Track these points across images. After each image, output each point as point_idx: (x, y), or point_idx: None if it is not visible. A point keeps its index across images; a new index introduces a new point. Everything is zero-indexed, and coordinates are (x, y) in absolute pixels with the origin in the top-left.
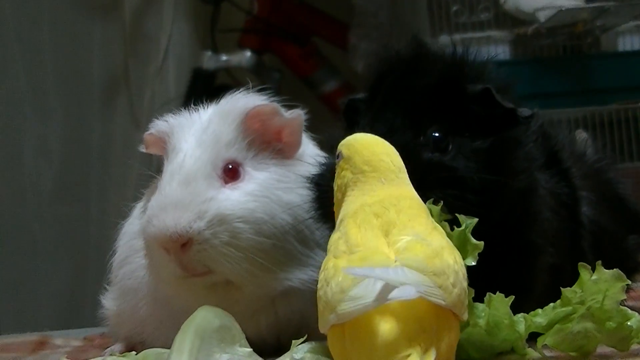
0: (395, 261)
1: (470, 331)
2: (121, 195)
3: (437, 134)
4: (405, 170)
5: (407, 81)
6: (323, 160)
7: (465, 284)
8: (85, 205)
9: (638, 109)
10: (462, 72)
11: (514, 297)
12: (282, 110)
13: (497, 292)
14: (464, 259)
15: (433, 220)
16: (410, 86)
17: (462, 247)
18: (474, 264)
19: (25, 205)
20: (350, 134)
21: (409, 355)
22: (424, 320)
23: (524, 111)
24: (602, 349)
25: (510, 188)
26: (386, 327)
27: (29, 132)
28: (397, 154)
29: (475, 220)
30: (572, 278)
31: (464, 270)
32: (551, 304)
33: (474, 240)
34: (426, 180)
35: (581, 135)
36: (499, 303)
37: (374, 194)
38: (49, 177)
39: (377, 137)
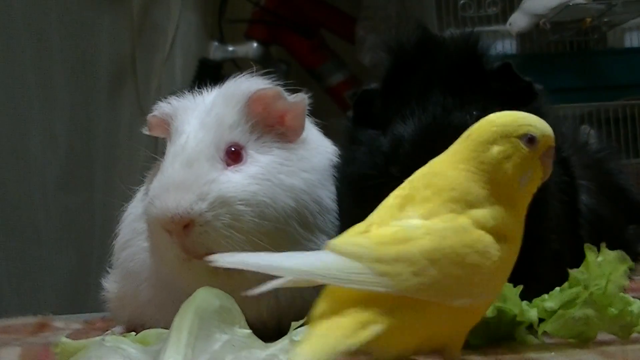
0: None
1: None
2: (127, 184)
3: (477, 112)
4: None
5: (427, 67)
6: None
7: (459, 271)
8: (91, 194)
9: None
10: (480, 52)
11: (522, 286)
12: (286, 94)
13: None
14: None
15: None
16: (437, 70)
17: None
18: None
19: (31, 193)
20: (363, 124)
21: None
22: (358, 301)
23: (537, 85)
24: (603, 336)
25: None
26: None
27: (36, 121)
28: None
29: None
30: (571, 265)
31: (469, 258)
32: (557, 288)
33: None
34: None
35: (587, 131)
36: (509, 293)
37: None
38: (55, 166)
39: None
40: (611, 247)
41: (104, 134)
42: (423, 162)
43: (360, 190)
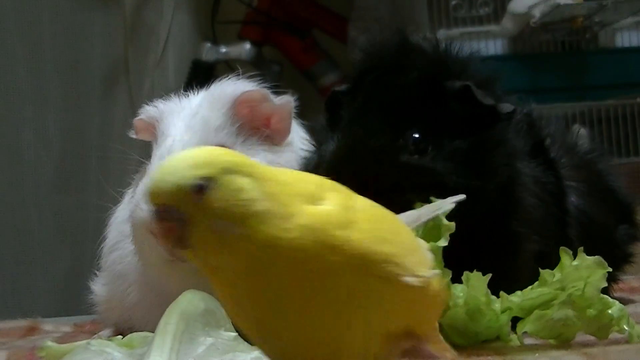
0: None
1: (451, 314)
2: (120, 185)
3: (416, 135)
4: None
5: (388, 79)
6: (306, 154)
7: None
8: (84, 195)
9: (636, 104)
10: (444, 69)
11: (494, 277)
12: (272, 97)
13: (475, 271)
14: (436, 240)
15: None
16: (391, 85)
17: (436, 229)
18: (445, 244)
19: (24, 194)
20: (332, 126)
21: None
22: None
23: (505, 107)
24: (582, 337)
25: (491, 186)
26: None
27: (28, 122)
28: None
29: (451, 206)
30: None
31: None
32: (529, 286)
33: (445, 222)
34: (404, 183)
35: (581, 131)
36: (477, 281)
37: None
38: (48, 167)
39: None
40: (601, 247)
41: (96, 135)
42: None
43: None
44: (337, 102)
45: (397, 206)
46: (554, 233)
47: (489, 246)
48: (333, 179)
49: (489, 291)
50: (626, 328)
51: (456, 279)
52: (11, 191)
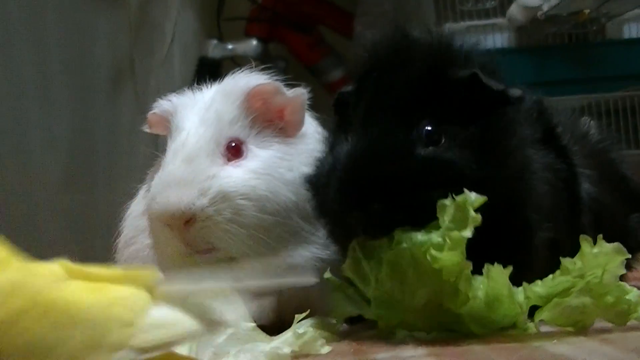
0: None
1: (470, 305)
2: (128, 184)
3: (429, 127)
4: None
5: (393, 75)
6: (319, 154)
7: None
8: (92, 195)
9: None
10: (448, 60)
11: (512, 267)
12: (284, 89)
13: (496, 264)
14: (461, 230)
15: None
16: (397, 80)
17: (462, 220)
18: (470, 236)
19: (33, 195)
20: (342, 127)
21: None
22: None
23: (514, 91)
24: (600, 324)
25: (505, 171)
26: None
27: (35, 123)
28: None
29: (482, 199)
30: (571, 253)
31: None
32: (550, 275)
33: (473, 214)
34: (425, 180)
35: (587, 122)
36: (497, 274)
37: None
38: (56, 167)
39: None
40: (614, 236)
41: (104, 133)
42: (356, 189)
43: (314, 200)
44: (345, 104)
45: (423, 205)
46: (566, 221)
47: (503, 234)
48: (351, 179)
49: (510, 284)
50: None
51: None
52: (19, 192)
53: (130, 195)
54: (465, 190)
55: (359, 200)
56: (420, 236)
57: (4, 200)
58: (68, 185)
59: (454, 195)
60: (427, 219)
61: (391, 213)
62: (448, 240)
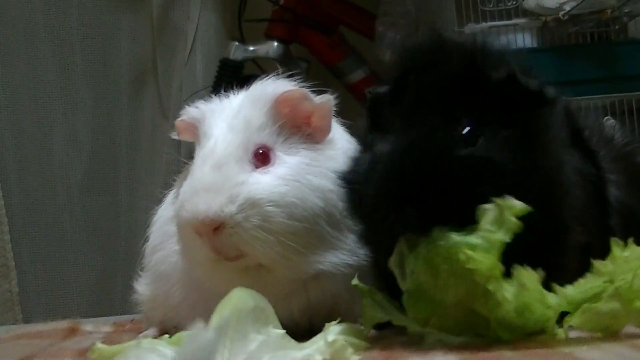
0: None
1: (500, 310)
2: (150, 185)
3: (468, 127)
4: None
5: (432, 75)
6: (353, 153)
7: None
8: (115, 196)
9: None
10: (484, 60)
11: (543, 270)
12: (312, 96)
13: (526, 267)
14: (500, 234)
15: None
16: (436, 80)
17: (501, 224)
18: (508, 240)
19: (56, 196)
20: (376, 127)
21: None
22: None
23: (550, 92)
24: (630, 329)
25: (542, 171)
26: None
27: (59, 124)
28: None
29: (524, 207)
30: (601, 256)
31: None
32: (581, 279)
33: (513, 219)
34: (469, 180)
35: (610, 122)
36: (529, 279)
37: None
38: (79, 169)
39: None
40: None
41: (126, 135)
42: (398, 187)
43: (350, 198)
44: (380, 104)
45: (466, 203)
46: (596, 224)
47: (538, 236)
48: (396, 177)
49: (542, 288)
50: None
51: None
52: (43, 193)
53: (151, 197)
54: (508, 196)
55: (404, 197)
56: (456, 236)
57: (28, 202)
58: (90, 186)
59: (494, 199)
60: (468, 217)
61: (435, 211)
62: (484, 242)
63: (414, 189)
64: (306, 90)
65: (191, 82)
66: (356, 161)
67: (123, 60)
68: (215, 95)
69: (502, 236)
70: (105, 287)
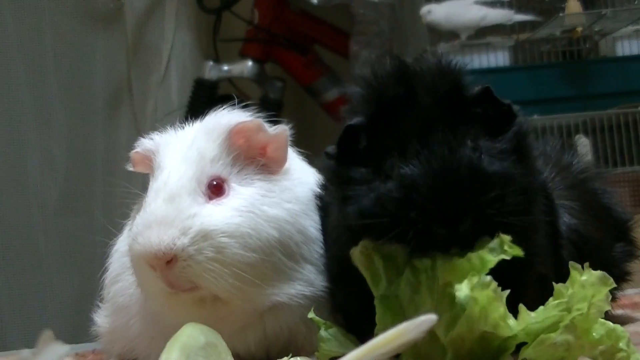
0: None
1: (456, 331)
2: (125, 207)
3: (471, 143)
4: None
5: (413, 99)
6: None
7: None
8: (90, 217)
9: (638, 113)
10: (455, 79)
11: (508, 291)
12: (266, 126)
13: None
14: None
15: None
16: (421, 104)
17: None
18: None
19: (31, 217)
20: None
21: None
22: None
23: (515, 107)
24: None
25: (534, 185)
26: None
27: (33, 145)
28: None
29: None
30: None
31: None
32: (541, 307)
33: (515, 248)
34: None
35: (581, 140)
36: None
37: None
38: (54, 189)
39: None
40: (598, 266)
41: (101, 155)
42: (439, 205)
43: (363, 228)
44: (353, 137)
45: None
46: (550, 255)
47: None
48: (433, 199)
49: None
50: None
51: None
52: (17, 214)
53: (111, 230)
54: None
55: (451, 216)
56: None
57: (3, 224)
58: (66, 207)
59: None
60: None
61: (478, 226)
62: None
63: (465, 207)
64: (261, 121)
65: (166, 101)
66: (341, 191)
67: (98, 80)
68: (190, 114)
69: (499, 256)
70: (82, 309)
